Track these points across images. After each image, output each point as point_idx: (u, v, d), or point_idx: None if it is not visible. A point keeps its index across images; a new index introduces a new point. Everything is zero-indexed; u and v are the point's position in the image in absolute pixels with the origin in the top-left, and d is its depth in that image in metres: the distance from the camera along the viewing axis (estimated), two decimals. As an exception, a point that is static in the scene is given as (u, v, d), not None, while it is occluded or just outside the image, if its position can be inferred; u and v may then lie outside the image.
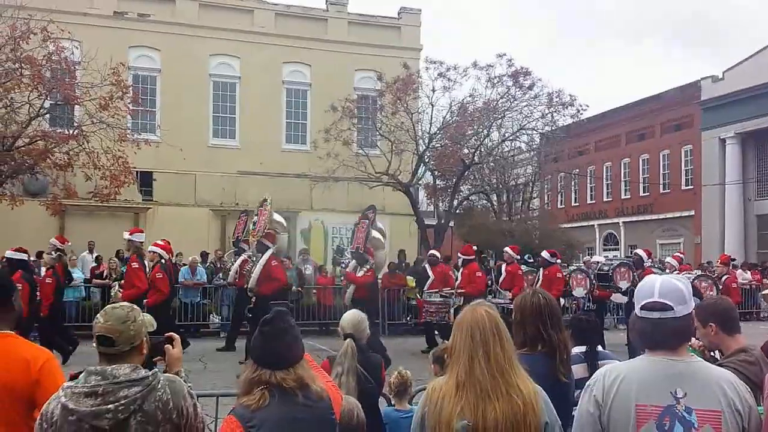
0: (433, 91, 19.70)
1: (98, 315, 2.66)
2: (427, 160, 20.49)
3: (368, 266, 11.86)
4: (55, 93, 15.56)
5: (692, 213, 30.27)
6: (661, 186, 32.22)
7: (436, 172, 21.85)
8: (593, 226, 35.36)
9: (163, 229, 20.20)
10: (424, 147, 19.79)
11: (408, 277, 17.25)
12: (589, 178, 35.30)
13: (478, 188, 25.45)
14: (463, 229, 25.62)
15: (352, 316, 4.51)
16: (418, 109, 19.85)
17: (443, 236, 20.52)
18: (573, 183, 34.85)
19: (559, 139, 22.96)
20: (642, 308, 2.50)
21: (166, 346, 2.90)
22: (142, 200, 21.47)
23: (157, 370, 2.68)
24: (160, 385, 2.59)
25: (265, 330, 2.76)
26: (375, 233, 12.02)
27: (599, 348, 4.63)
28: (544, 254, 13.16)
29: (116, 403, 2.48)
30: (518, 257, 13.74)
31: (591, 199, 36.42)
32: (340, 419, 2.96)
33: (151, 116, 21.37)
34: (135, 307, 2.74)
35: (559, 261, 14.20)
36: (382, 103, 20.20)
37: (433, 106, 19.81)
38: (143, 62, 21.93)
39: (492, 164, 23.70)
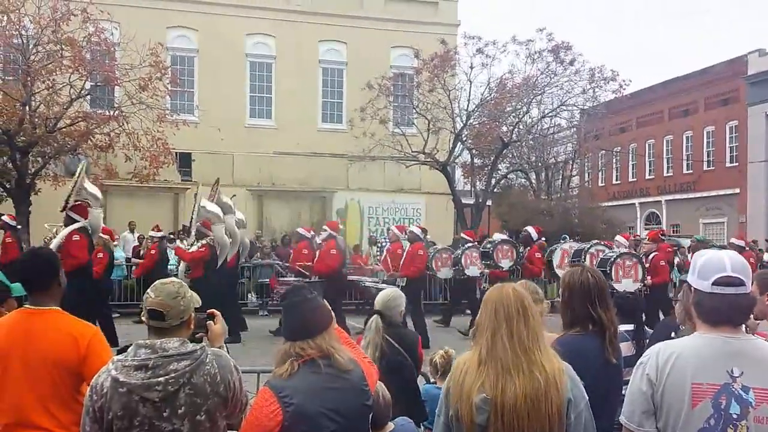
0: (471, 67, 19.45)
1: (149, 290, 2.71)
2: (464, 139, 20.29)
3: (205, 241, 10.77)
4: (95, 74, 15.77)
5: (737, 191, 29.49)
6: (705, 163, 31.43)
7: (473, 151, 21.63)
8: (634, 204, 34.74)
9: (201, 209, 20.48)
10: (462, 125, 19.59)
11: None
12: (630, 155, 34.62)
13: (516, 166, 25.15)
14: (501, 208, 25.40)
15: (383, 294, 4.63)
16: (455, 86, 19.61)
17: (480, 215, 20.37)
18: (614, 160, 34.21)
19: (601, 115, 22.50)
20: (715, 284, 2.39)
21: (208, 322, 2.97)
22: (181, 180, 21.73)
23: (204, 344, 2.73)
24: (208, 359, 2.65)
25: (283, 304, 2.88)
26: (211, 206, 11.02)
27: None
28: (414, 229, 12.81)
29: (166, 376, 2.54)
30: (403, 235, 13.11)
31: (632, 177, 35.73)
32: None
33: (189, 97, 21.55)
34: (184, 283, 2.80)
35: (428, 238, 13.74)
36: (419, 80, 20.00)
37: (471, 82, 19.56)
38: (181, 42, 22.10)
39: (531, 142, 23.37)
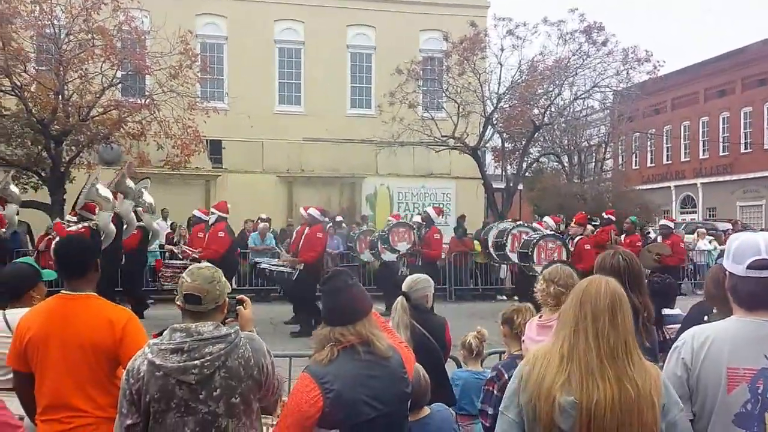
0: (502, 49, 19.21)
1: (184, 275, 2.75)
2: (495, 122, 20.07)
3: (86, 224, 10.26)
4: (126, 63, 15.89)
5: (775, 173, 28.84)
6: (742, 145, 30.74)
7: (504, 134, 21.40)
8: (669, 187, 34.15)
9: (232, 196, 20.65)
10: (492, 108, 19.38)
11: (475, 242, 17.15)
12: (665, 137, 34.00)
13: (548, 150, 24.82)
14: (533, 193, 25.18)
15: (410, 277, 4.66)
16: (485, 69, 19.41)
17: (512, 200, 20.19)
18: (648, 143, 33.59)
19: (634, 97, 22.10)
20: (749, 267, 2.35)
21: (237, 307, 3.02)
22: (212, 168, 21.93)
23: (237, 328, 2.76)
24: (241, 343, 2.68)
25: (324, 289, 2.86)
26: (104, 191, 10.55)
27: (675, 310, 4.47)
28: (313, 212, 12.09)
29: (202, 359, 2.57)
30: (323, 218, 12.35)
31: (667, 160, 35.12)
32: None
33: (218, 84, 21.67)
34: (218, 268, 2.84)
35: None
36: (449, 64, 19.82)
37: (501, 65, 19.31)
38: (210, 30, 22.20)
39: (563, 125, 23.05)
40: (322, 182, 22.43)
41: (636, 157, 35.60)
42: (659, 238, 13.09)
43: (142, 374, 2.59)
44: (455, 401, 4.38)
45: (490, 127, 19.85)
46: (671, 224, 12.89)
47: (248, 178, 21.45)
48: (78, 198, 10.61)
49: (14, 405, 3.17)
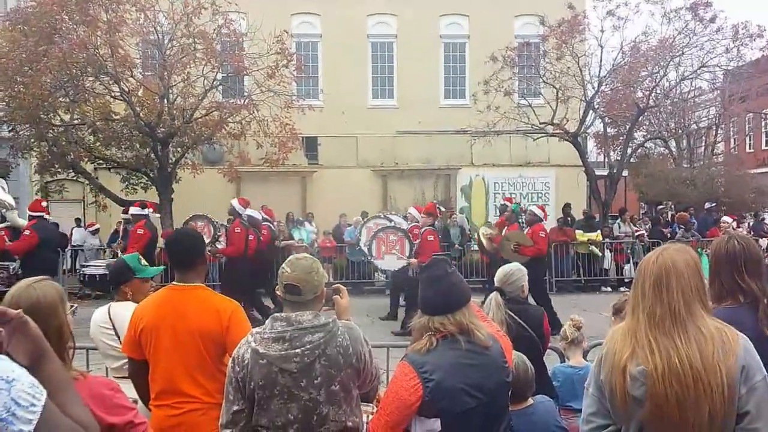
0: (602, 31, 18.43)
1: (284, 266, 2.79)
2: (596, 106, 19.29)
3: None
4: (226, 65, 16.32)
5: None
6: None
7: (606, 119, 20.51)
8: (787, 171, 31.82)
9: (327, 191, 20.98)
10: (593, 92, 18.64)
11: (578, 231, 16.61)
12: (781, 117, 31.69)
13: (654, 134, 23.62)
14: (639, 179, 24.11)
15: (501, 270, 4.57)
16: (585, 52, 18.68)
17: (616, 187, 19.38)
18: (763, 124, 31.40)
19: (747, 75, 20.70)
20: None
21: (334, 296, 3.06)
22: (308, 164, 22.30)
23: (335, 317, 2.80)
24: (340, 332, 2.72)
25: (423, 278, 2.82)
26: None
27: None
28: (132, 209, 12.01)
29: (302, 348, 2.62)
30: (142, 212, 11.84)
31: (784, 141, 32.73)
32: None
33: (313, 82, 21.97)
34: (316, 259, 2.88)
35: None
36: (546, 48, 19.19)
37: (602, 47, 18.53)
38: (305, 29, 22.52)
39: (670, 107, 21.90)
40: (417, 175, 22.36)
41: (750, 139, 33.42)
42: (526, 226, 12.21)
43: (246, 362, 2.66)
44: (556, 394, 4.24)
45: (591, 111, 19.09)
46: (539, 212, 11.80)
47: (343, 173, 21.70)
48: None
49: (129, 390, 3.28)
